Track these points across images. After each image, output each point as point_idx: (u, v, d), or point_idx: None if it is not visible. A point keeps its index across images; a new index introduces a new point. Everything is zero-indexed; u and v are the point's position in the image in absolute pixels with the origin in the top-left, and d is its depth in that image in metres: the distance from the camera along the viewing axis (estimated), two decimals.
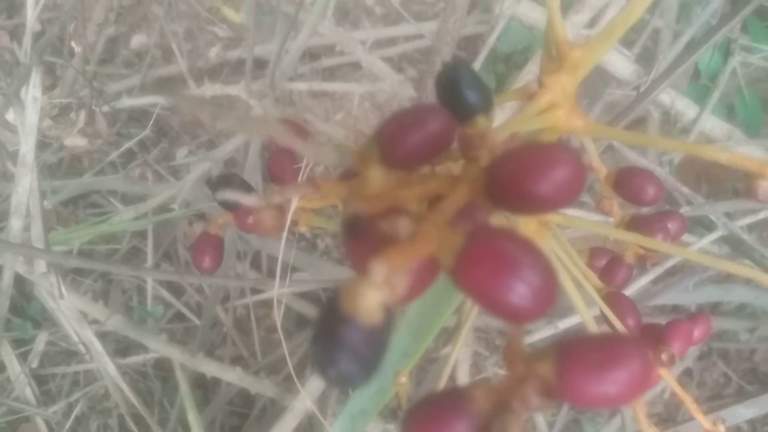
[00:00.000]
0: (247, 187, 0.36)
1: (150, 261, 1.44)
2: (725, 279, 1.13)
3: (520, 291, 0.15)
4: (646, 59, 0.97)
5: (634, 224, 0.36)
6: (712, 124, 0.90)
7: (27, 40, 0.63)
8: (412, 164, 0.20)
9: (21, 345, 1.42)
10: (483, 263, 0.15)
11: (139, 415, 1.29)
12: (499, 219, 0.24)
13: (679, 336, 0.35)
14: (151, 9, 1.77)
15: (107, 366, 0.82)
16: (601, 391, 0.16)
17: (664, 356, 0.34)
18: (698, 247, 0.79)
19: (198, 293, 1.58)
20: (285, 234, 0.44)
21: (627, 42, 0.94)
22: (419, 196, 0.18)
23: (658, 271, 0.82)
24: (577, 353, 0.16)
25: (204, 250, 0.38)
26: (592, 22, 0.80)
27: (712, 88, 0.93)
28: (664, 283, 0.91)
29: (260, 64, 1.47)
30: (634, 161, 0.86)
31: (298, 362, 1.39)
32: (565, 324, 0.81)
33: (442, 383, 0.42)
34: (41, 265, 0.71)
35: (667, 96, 0.91)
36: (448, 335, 0.89)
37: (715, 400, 1.52)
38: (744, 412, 0.69)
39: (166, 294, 1.57)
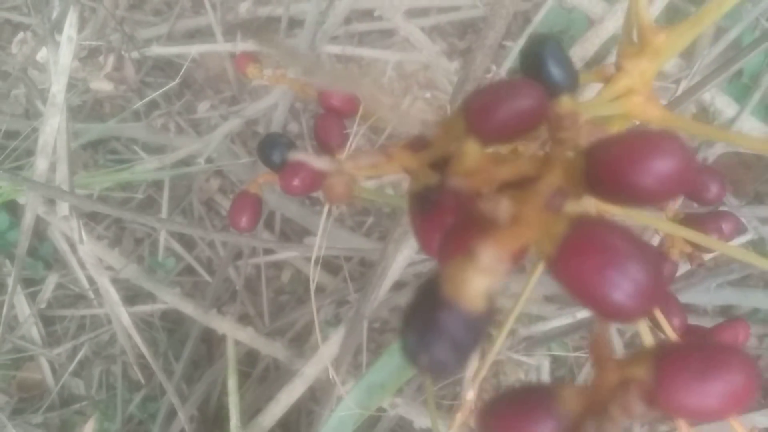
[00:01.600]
0: (294, 148, 0.35)
1: (164, 212, 1.43)
2: (742, 282, 1.11)
3: (626, 288, 0.14)
4: (687, 53, 0.94)
5: (688, 222, 0.35)
6: (751, 125, 0.88)
7: None
8: (501, 140, 0.19)
9: (30, 285, 1.42)
10: (588, 255, 0.14)
11: (142, 364, 1.29)
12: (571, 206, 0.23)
13: (726, 340, 0.34)
14: None
15: (120, 313, 0.82)
16: (701, 402, 0.15)
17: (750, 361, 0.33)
18: (743, 251, 0.77)
19: (209, 248, 1.58)
20: (327, 207, 0.43)
21: None
22: (512, 175, 0.17)
23: (682, 270, 0.80)
24: (677, 360, 0.15)
25: (242, 208, 0.37)
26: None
27: (753, 88, 0.90)
28: (684, 282, 0.89)
29: (292, 24, 1.44)
30: None
31: (305, 327, 1.39)
32: (583, 314, 0.80)
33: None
34: (63, 208, 0.70)
35: (707, 93, 0.89)
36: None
37: None
38: (761, 420, 0.69)
39: (177, 247, 1.57)
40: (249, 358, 1.45)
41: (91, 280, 1.38)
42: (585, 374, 1.09)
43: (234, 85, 1.62)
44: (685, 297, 1.00)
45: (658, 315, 0.34)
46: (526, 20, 0.93)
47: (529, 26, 0.82)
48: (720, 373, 0.15)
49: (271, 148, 0.34)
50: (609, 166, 0.16)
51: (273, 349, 0.87)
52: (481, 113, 0.18)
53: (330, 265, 1.50)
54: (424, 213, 0.19)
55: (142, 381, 1.35)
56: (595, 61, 0.81)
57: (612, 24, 0.74)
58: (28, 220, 0.72)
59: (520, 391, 0.16)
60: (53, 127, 0.64)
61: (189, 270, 1.57)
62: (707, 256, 0.86)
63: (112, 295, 0.80)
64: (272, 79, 0.44)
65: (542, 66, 0.21)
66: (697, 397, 0.15)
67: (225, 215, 1.61)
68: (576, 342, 1.09)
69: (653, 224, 0.31)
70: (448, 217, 0.18)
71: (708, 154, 0.85)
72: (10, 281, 1.34)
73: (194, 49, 1.05)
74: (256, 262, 1.52)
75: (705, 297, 1.01)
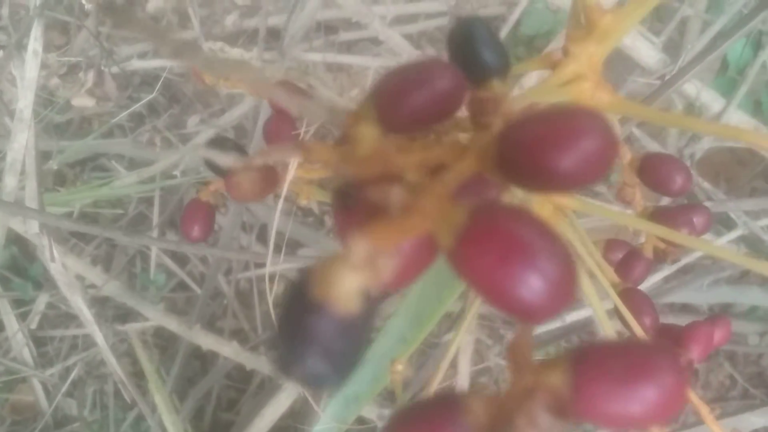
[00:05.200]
0: (240, 151, 0.33)
1: (155, 228, 1.42)
2: (739, 280, 1.10)
3: (533, 283, 0.12)
4: (673, 49, 0.93)
5: (657, 216, 0.33)
6: (738, 118, 0.86)
7: None
8: (414, 127, 0.17)
9: (21, 306, 1.41)
10: (489, 246, 0.13)
11: (135, 382, 1.28)
12: (510, 200, 0.21)
13: (699, 340, 0.32)
14: None
15: (95, 333, 0.80)
16: (624, 409, 0.13)
17: (681, 361, 0.31)
18: (716, 246, 0.76)
19: (202, 263, 1.57)
20: (281, 203, 0.41)
21: (654, 30, 0.91)
22: (419, 164, 0.16)
23: (673, 267, 0.79)
24: (597, 363, 0.13)
25: (193, 218, 0.36)
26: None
27: (739, 81, 0.89)
28: (677, 280, 0.87)
29: (275, 35, 1.44)
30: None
31: None
32: (573, 317, 0.78)
33: (441, 373, 0.40)
34: (33, 226, 0.69)
35: (692, 87, 0.87)
36: (452, 321, 0.86)
37: (719, 402, 1.50)
38: (755, 420, 0.67)
39: (170, 262, 1.56)
40: (244, 374, 1.43)
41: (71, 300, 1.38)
42: None
43: (223, 99, 1.61)
44: (681, 296, 0.98)
45: (627, 314, 0.32)
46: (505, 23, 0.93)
47: (504, 26, 0.81)
48: (645, 377, 0.13)
49: (210, 153, 0.32)
50: (524, 149, 0.14)
51: (258, 364, 0.85)
52: (389, 98, 0.17)
53: None
54: (345, 209, 0.17)
55: (133, 400, 1.33)
56: None
57: None
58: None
59: (428, 401, 0.14)
60: (21, 143, 0.63)
61: (182, 286, 1.56)
62: (694, 254, 0.85)
63: (87, 315, 0.78)
64: (230, 85, 0.43)
65: (471, 48, 0.19)
66: (619, 404, 0.13)
67: (217, 229, 1.60)
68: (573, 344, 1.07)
69: (623, 221, 0.29)
70: (362, 214, 0.16)
71: (695, 149, 0.84)
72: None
73: (172, 63, 1.03)
74: (248, 276, 1.51)
75: (701, 296, 0.99)
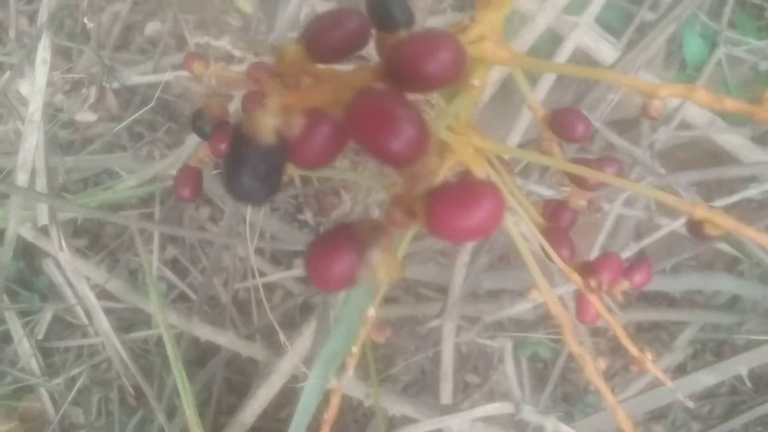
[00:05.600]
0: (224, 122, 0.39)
1: (156, 242, 1.48)
2: (708, 267, 1.15)
3: (396, 138, 0.19)
4: (630, 43, 0.99)
5: (574, 164, 0.39)
6: (695, 112, 0.93)
7: (43, 5, 0.67)
8: (333, 58, 0.23)
9: (27, 317, 1.47)
10: (371, 116, 0.19)
11: (138, 387, 1.33)
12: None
13: (608, 267, 0.38)
14: None
15: (101, 320, 0.86)
16: (462, 222, 0.19)
17: (592, 282, 0.37)
18: (671, 229, 0.82)
19: (202, 274, 1.63)
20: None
21: (614, 32, 0.98)
22: (331, 76, 0.22)
23: (635, 248, 0.85)
24: (444, 193, 0.19)
25: (185, 181, 0.42)
26: (568, 7, 0.83)
27: (696, 78, 0.95)
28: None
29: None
30: (619, 146, 0.89)
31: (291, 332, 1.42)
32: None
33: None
34: (44, 217, 0.75)
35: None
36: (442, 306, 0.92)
37: (707, 398, 1.54)
38: (705, 378, 0.72)
39: (170, 275, 1.62)
40: (245, 377, 1.49)
41: (87, 312, 1.44)
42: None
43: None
44: (651, 285, 1.03)
45: (548, 248, 0.39)
46: None
47: None
48: (475, 200, 0.19)
49: (201, 120, 0.38)
50: (404, 62, 0.21)
51: (253, 350, 0.91)
52: (314, 36, 0.23)
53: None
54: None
55: (137, 404, 1.38)
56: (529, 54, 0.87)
57: (544, 20, 0.80)
58: (11, 229, 0.76)
59: (328, 232, 0.21)
60: (32, 143, 0.69)
61: (183, 297, 1.61)
62: (650, 238, 0.90)
63: (92, 300, 0.84)
64: (216, 74, 0.49)
65: (383, 6, 0.26)
66: (459, 218, 0.19)
67: (217, 243, 1.66)
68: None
69: (543, 162, 0.35)
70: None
71: (654, 139, 0.90)
72: (6, 315, 1.39)
73: (169, 76, 1.10)
74: (246, 286, 1.57)
75: (670, 283, 1.04)
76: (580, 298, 0.42)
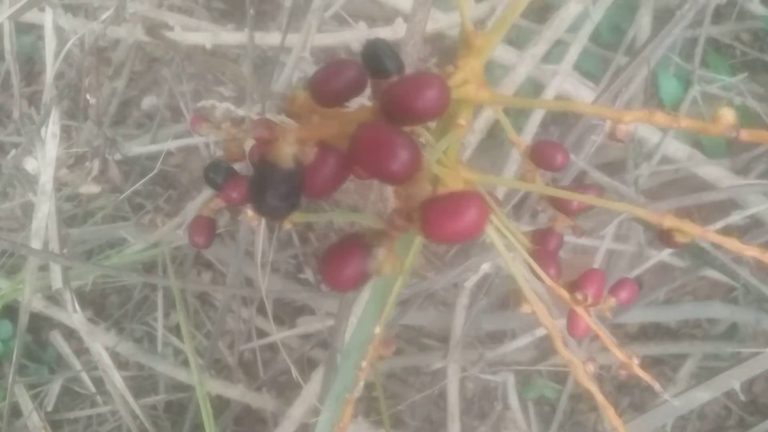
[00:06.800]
0: (233, 171, 0.43)
1: (160, 302, 1.50)
2: (705, 297, 1.18)
3: (396, 162, 0.22)
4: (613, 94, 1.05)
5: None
6: (675, 147, 0.97)
7: (48, 82, 0.72)
8: (335, 102, 0.27)
9: (36, 388, 1.48)
10: (366, 141, 0.23)
11: None
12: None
13: (592, 281, 0.41)
14: (161, 72, 1.88)
15: (114, 377, 0.88)
16: (452, 227, 0.22)
17: (578, 296, 0.41)
18: (658, 260, 0.85)
19: (206, 339, 1.65)
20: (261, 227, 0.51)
21: (593, 78, 1.03)
22: (335, 114, 0.26)
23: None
24: (435, 202, 0.23)
25: (199, 229, 0.46)
26: (547, 56, 0.88)
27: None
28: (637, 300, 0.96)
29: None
30: (604, 183, 0.93)
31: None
32: (541, 332, 0.87)
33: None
34: (57, 281, 0.78)
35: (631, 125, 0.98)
36: (437, 352, 0.94)
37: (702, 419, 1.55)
38: (701, 396, 0.74)
39: (175, 340, 1.63)
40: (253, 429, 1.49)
41: (95, 380, 1.45)
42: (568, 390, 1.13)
43: None
44: (644, 315, 1.06)
45: (537, 268, 0.42)
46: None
47: None
48: (462, 207, 0.22)
49: (214, 172, 0.42)
50: (396, 100, 0.25)
51: (263, 402, 0.93)
52: (319, 82, 0.27)
53: (324, 341, 1.57)
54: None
55: None
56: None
57: (524, 69, 0.85)
58: (26, 294, 0.79)
59: (341, 240, 0.24)
60: (44, 212, 0.73)
61: (188, 363, 1.63)
62: (639, 269, 0.93)
63: (105, 358, 0.87)
64: (225, 134, 0.53)
65: (377, 59, 0.30)
66: (449, 223, 0.22)
67: (218, 306, 1.69)
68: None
69: (527, 188, 0.39)
70: None
71: (637, 175, 0.94)
72: (15, 388, 1.41)
73: (171, 145, 1.15)
74: (251, 347, 1.59)
75: (664, 314, 1.07)
76: (570, 315, 0.45)
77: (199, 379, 0.75)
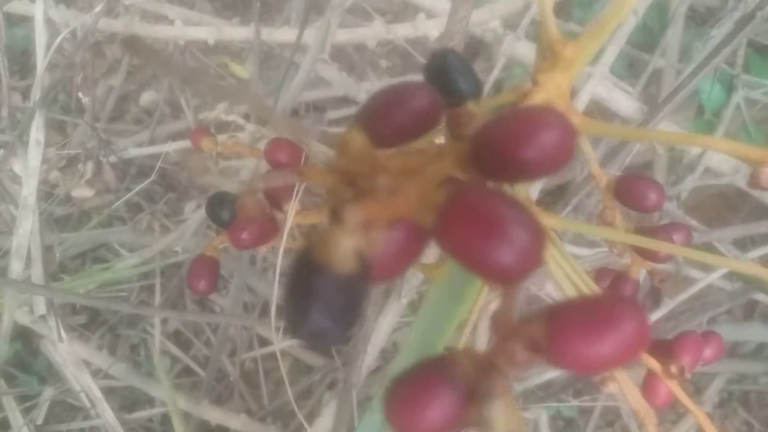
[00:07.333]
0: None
1: (157, 301, 1.43)
2: (742, 318, 1.10)
3: (507, 248, 0.14)
4: (650, 99, 0.97)
5: (639, 234, 0.35)
6: (719, 158, 0.89)
7: (36, 83, 0.64)
8: (397, 142, 0.19)
9: (26, 402, 1.41)
10: (464, 219, 0.15)
11: None
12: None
13: (689, 349, 0.33)
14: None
15: (104, 411, 0.81)
16: (593, 351, 0.15)
17: (673, 368, 0.33)
18: (707, 283, 0.78)
19: (206, 347, 1.57)
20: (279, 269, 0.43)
21: (630, 82, 0.95)
22: (402, 166, 0.18)
23: (669, 307, 0.80)
24: (569, 313, 0.15)
25: (200, 273, 0.38)
26: None
27: (716, 122, 0.92)
28: (675, 321, 0.89)
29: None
30: None
31: (308, 414, 1.36)
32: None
33: None
34: (40, 307, 0.70)
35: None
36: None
37: None
38: None
39: (173, 348, 1.56)
40: None
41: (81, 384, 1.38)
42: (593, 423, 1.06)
43: (218, 183, 1.65)
44: None
45: None
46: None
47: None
48: (610, 324, 0.15)
49: (219, 206, 0.34)
50: (494, 145, 0.17)
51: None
52: (374, 117, 0.19)
53: (328, 350, 1.49)
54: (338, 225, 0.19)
55: None
56: None
57: None
58: (5, 321, 0.72)
59: (418, 365, 0.16)
60: (26, 229, 0.65)
61: (187, 371, 1.55)
62: (687, 293, 0.86)
63: (94, 391, 0.79)
64: (227, 149, 0.45)
65: (447, 77, 0.22)
66: (589, 347, 0.15)
67: (219, 311, 1.61)
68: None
69: (603, 235, 0.31)
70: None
71: (680, 189, 0.86)
72: (4, 401, 1.33)
73: (169, 147, 1.07)
74: (253, 356, 1.51)
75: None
76: (648, 379, 0.37)
77: (174, 406, 0.67)
